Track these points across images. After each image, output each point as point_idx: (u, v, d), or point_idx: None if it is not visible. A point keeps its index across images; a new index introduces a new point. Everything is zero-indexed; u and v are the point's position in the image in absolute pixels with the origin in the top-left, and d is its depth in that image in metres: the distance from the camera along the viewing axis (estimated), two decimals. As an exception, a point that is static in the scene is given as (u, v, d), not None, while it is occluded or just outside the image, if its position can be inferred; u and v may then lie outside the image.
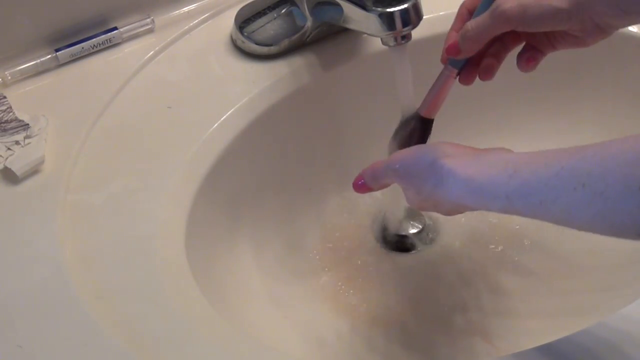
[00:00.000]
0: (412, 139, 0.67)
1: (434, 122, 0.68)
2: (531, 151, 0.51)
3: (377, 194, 0.82)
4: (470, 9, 0.64)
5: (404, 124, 0.69)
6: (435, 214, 0.82)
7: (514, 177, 0.50)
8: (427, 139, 0.67)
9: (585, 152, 0.47)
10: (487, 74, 0.64)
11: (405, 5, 0.67)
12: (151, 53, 0.76)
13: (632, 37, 0.78)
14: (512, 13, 0.58)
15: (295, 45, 0.76)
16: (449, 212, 0.61)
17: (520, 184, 0.50)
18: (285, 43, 0.75)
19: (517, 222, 0.80)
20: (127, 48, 0.77)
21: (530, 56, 0.63)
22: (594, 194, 0.45)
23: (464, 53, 0.62)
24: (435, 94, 0.66)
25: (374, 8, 0.67)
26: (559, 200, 0.47)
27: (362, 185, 0.64)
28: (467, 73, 0.65)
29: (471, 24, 0.61)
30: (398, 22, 0.67)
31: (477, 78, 0.65)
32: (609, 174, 0.45)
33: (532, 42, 0.63)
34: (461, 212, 0.59)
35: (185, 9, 0.79)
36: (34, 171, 0.66)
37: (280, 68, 0.75)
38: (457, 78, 0.65)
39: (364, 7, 0.67)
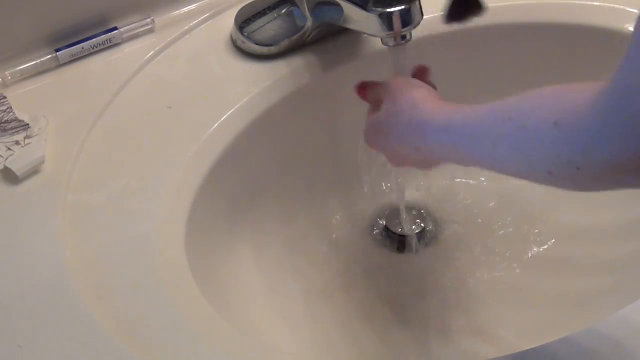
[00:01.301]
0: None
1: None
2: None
3: (376, 193, 0.83)
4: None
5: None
6: (436, 213, 0.82)
7: (458, 112, 0.54)
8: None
9: (519, 94, 0.50)
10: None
11: (405, 6, 0.67)
12: (151, 53, 0.76)
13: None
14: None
15: (295, 45, 0.76)
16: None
17: (462, 120, 0.53)
18: (285, 43, 0.75)
19: (517, 222, 0.80)
20: (127, 48, 0.77)
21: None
22: (516, 128, 0.48)
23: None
24: None
25: (373, 8, 0.67)
26: (487, 135, 0.50)
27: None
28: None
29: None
30: (398, 22, 0.67)
31: None
32: (533, 109, 0.48)
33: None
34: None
35: (185, 9, 0.79)
36: (34, 171, 0.66)
37: (280, 68, 0.75)
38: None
39: (363, 7, 0.67)
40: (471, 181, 0.84)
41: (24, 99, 0.72)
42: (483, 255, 0.79)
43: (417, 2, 0.67)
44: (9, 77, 0.73)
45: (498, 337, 0.72)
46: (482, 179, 0.84)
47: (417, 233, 0.80)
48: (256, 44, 0.75)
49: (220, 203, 0.71)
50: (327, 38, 0.77)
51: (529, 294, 0.75)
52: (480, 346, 0.72)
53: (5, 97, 0.71)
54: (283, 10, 0.76)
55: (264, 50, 0.75)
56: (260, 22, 0.76)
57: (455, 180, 0.84)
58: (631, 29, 0.78)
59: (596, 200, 0.79)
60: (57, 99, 0.72)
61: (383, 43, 0.69)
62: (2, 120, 0.69)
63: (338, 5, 0.70)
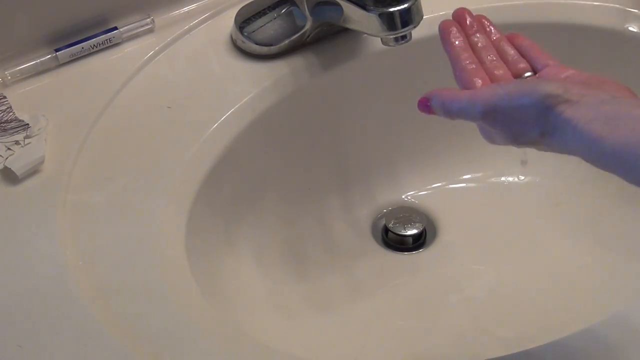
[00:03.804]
0: None
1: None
2: None
3: (376, 195, 0.83)
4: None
5: None
6: (436, 214, 0.82)
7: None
8: None
9: None
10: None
11: (405, 5, 0.67)
12: (151, 53, 0.76)
13: (632, 37, 0.78)
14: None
15: (295, 45, 0.76)
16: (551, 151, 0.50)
17: None
18: (285, 43, 0.75)
19: (517, 222, 0.80)
20: (127, 48, 0.77)
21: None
22: None
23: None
24: None
25: (374, 8, 0.67)
26: None
27: (426, 107, 0.55)
28: None
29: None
30: (398, 22, 0.67)
31: None
32: None
33: None
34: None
35: (185, 9, 0.79)
36: (34, 171, 0.66)
37: (280, 68, 0.75)
38: None
39: (364, 7, 0.67)
40: (472, 182, 0.84)
41: (24, 99, 0.72)
42: (483, 256, 0.79)
43: (417, 2, 0.67)
44: (9, 77, 0.73)
45: (498, 337, 0.72)
46: (483, 179, 0.84)
47: (417, 233, 0.80)
48: (256, 44, 0.75)
49: (220, 203, 0.71)
50: (327, 38, 0.77)
51: (529, 294, 0.75)
52: (481, 346, 0.72)
53: (5, 97, 0.71)
54: (283, 10, 0.76)
55: (264, 50, 0.75)
56: (260, 22, 0.76)
57: (456, 180, 0.84)
58: (631, 29, 0.78)
59: (596, 202, 0.79)
60: (57, 99, 0.72)
61: (383, 43, 0.69)
62: (2, 120, 0.69)
63: (338, 5, 0.70)
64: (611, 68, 0.81)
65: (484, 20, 0.60)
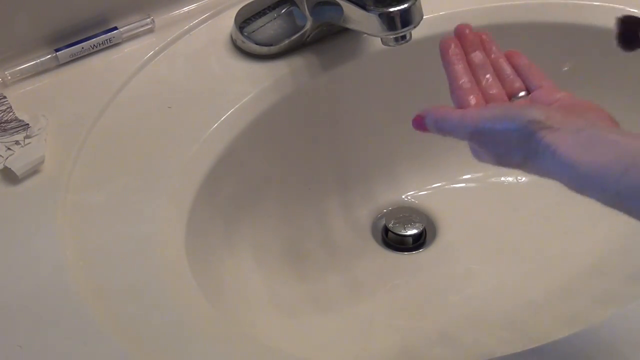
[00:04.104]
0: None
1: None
2: None
3: (376, 195, 0.83)
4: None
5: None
6: (436, 214, 0.82)
7: (628, 172, 0.43)
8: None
9: None
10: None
11: (405, 5, 0.67)
12: (151, 53, 0.76)
13: (632, 37, 0.78)
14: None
15: (295, 45, 0.76)
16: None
17: (635, 183, 0.43)
18: (285, 43, 0.75)
19: (517, 222, 0.80)
20: (127, 48, 0.77)
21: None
22: None
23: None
24: None
25: (374, 8, 0.67)
26: None
27: (420, 125, 0.56)
28: None
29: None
30: (398, 22, 0.67)
31: None
32: None
33: None
34: None
35: (185, 9, 0.79)
36: (34, 171, 0.66)
37: (280, 68, 0.75)
38: None
39: (364, 7, 0.67)
40: (472, 182, 0.84)
41: (24, 99, 0.72)
42: (483, 256, 0.79)
43: (417, 2, 0.67)
44: (9, 77, 0.73)
45: (498, 337, 0.72)
46: (483, 179, 0.84)
47: (417, 233, 0.80)
48: (256, 44, 0.75)
49: (220, 203, 0.71)
50: (327, 38, 0.77)
51: (528, 294, 0.75)
52: (481, 346, 0.72)
53: (5, 97, 0.71)
54: (283, 10, 0.76)
55: (264, 50, 0.75)
56: (260, 22, 0.76)
57: (456, 180, 0.84)
58: (632, 29, 0.78)
59: (597, 204, 0.79)
60: (57, 99, 0.72)
61: (383, 43, 0.69)
62: (2, 120, 0.69)
63: (338, 5, 0.70)
64: (611, 68, 0.81)
65: (484, 37, 0.61)
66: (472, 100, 0.56)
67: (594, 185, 0.45)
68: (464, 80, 0.58)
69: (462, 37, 0.60)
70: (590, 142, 0.46)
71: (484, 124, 0.51)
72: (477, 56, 0.59)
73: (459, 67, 0.58)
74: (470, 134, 0.52)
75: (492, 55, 0.60)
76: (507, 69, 0.59)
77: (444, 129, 0.55)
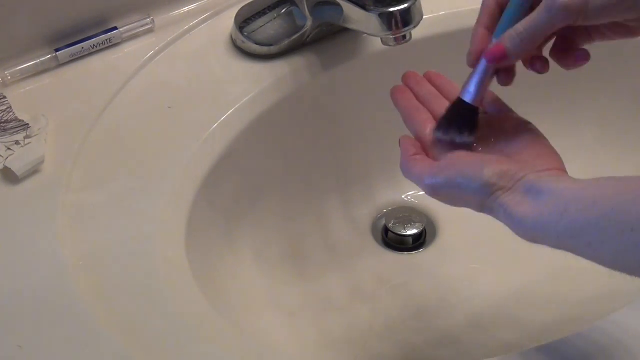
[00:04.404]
0: (456, 128, 0.58)
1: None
2: (584, 181, 0.50)
3: (376, 195, 0.83)
4: (501, 1, 0.57)
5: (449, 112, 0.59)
6: (436, 214, 0.82)
7: (564, 216, 0.48)
8: (473, 132, 0.58)
9: (637, 192, 0.46)
10: (543, 67, 0.57)
11: (405, 5, 0.67)
12: (151, 53, 0.76)
13: (632, 37, 0.78)
14: (575, 7, 0.52)
15: (295, 45, 0.76)
16: None
17: (569, 224, 0.48)
18: (285, 43, 0.75)
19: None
20: (127, 48, 0.77)
21: (581, 54, 0.57)
22: None
23: (514, 58, 0.55)
24: (479, 82, 0.57)
25: (374, 8, 0.67)
26: (606, 244, 0.46)
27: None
28: (506, 72, 0.57)
29: (522, 24, 0.53)
30: (398, 22, 0.67)
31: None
32: None
33: (568, 33, 0.56)
34: None
35: (185, 9, 0.79)
36: (34, 171, 0.66)
37: (280, 68, 0.75)
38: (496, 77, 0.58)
39: (364, 7, 0.67)
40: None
41: (24, 99, 0.72)
42: (483, 256, 0.79)
43: (417, 2, 0.67)
44: (9, 77, 0.73)
45: (498, 337, 0.72)
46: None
47: (417, 233, 0.80)
48: (256, 44, 0.75)
49: (220, 203, 0.71)
50: (327, 38, 0.77)
51: (528, 294, 0.75)
52: (481, 346, 0.72)
53: (5, 97, 0.71)
54: (283, 10, 0.76)
55: (264, 50, 0.75)
56: (260, 22, 0.76)
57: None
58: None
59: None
60: (57, 99, 0.72)
61: (383, 43, 0.69)
62: (2, 120, 0.69)
63: (338, 5, 0.70)
64: (611, 68, 0.81)
65: (431, 75, 0.63)
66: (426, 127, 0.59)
67: (540, 233, 0.50)
68: (413, 109, 0.61)
69: (409, 81, 0.63)
70: (535, 198, 0.51)
71: (440, 182, 0.55)
72: (423, 91, 0.62)
73: (407, 97, 0.62)
74: (426, 188, 0.56)
75: (446, 87, 0.62)
76: (452, 90, 0.61)
77: (409, 177, 0.58)
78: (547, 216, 0.49)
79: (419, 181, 0.56)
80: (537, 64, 0.57)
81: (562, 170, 0.54)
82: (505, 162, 0.53)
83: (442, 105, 0.60)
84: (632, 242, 0.45)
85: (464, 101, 0.57)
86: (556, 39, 0.57)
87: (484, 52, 0.56)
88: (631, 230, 0.45)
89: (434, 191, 0.55)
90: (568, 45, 0.57)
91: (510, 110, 0.60)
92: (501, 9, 0.57)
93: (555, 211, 0.49)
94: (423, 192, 0.83)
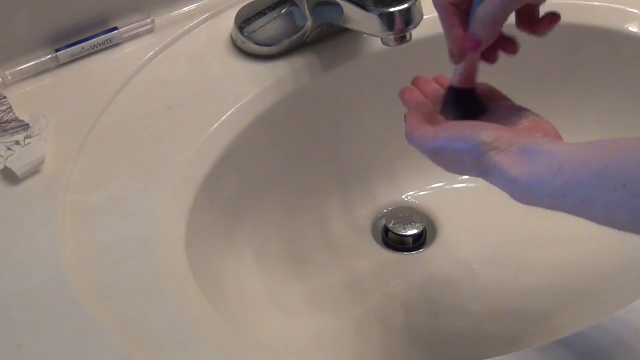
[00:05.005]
0: (454, 113, 0.61)
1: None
2: (580, 143, 0.51)
3: (376, 195, 0.83)
4: (455, 1, 0.59)
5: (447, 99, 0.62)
6: (436, 214, 0.82)
7: (557, 175, 0.49)
8: (472, 112, 0.60)
9: (629, 151, 0.47)
10: (512, 46, 0.60)
11: (405, 5, 0.67)
12: (151, 53, 0.76)
13: (632, 37, 0.78)
14: None
15: (295, 45, 0.76)
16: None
17: (563, 183, 0.49)
18: (285, 43, 0.75)
19: (516, 222, 0.80)
20: (127, 48, 0.77)
21: (550, 18, 0.59)
22: (633, 195, 0.45)
23: (485, 42, 0.58)
24: (467, 62, 0.60)
25: (374, 8, 0.67)
26: (598, 200, 0.47)
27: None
28: (489, 50, 0.59)
29: (482, 9, 0.56)
30: (398, 22, 0.67)
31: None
32: None
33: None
34: None
35: (185, 9, 0.79)
36: (34, 171, 0.66)
37: (280, 68, 0.75)
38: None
39: (364, 7, 0.67)
40: (472, 182, 0.84)
41: (24, 99, 0.72)
42: (483, 255, 0.79)
43: (417, 2, 0.67)
44: (9, 77, 0.73)
45: (498, 337, 0.72)
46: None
47: (417, 233, 0.80)
48: (256, 44, 0.75)
49: (220, 203, 0.71)
50: (327, 38, 0.77)
51: (528, 294, 0.75)
52: (481, 346, 0.72)
53: (5, 97, 0.71)
54: (283, 10, 0.76)
55: (264, 50, 0.75)
56: (260, 22, 0.76)
57: (456, 180, 0.84)
58: (631, 29, 0.78)
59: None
60: (57, 99, 0.72)
61: (383, 43, 0.69)
62: (2, 120, 0.69)
63: (338, 5, 0.70)
64: (611, 68, 0.81)
65: (439, 78, 0.64)
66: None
67: (534, 192, 0.51)
68: (419, 100, 0.62)
69: (417, 81, 0.65)
70: (530, 158, 0.52)
71: (440, 144, 0.56)
72: (430, 89, 0.64)
73: (413, 93, 0.63)
74: (428, 152, 0.57)
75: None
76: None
77: (411, 141, 0.59)
78: (541, 175, 0.50)
79: (421, 145, 0.57)
80: (507, 48, 0.59)
81: (560, 139, 0.55)
82: (504, 129, 0.55)
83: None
84: (624, 198, 0.46)
85: (458, 87, 0.60)
86: (518, 12, 0.59)
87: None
88: (623, 187, 0.46)
89: (435, 153, 0.57)
90: (530, 13, 0.59)
91: (509, 99, 0.62)
92: (456, 5, 0.59)
93: (549, 170, 0.50)
94: (423, 192, 0.84)
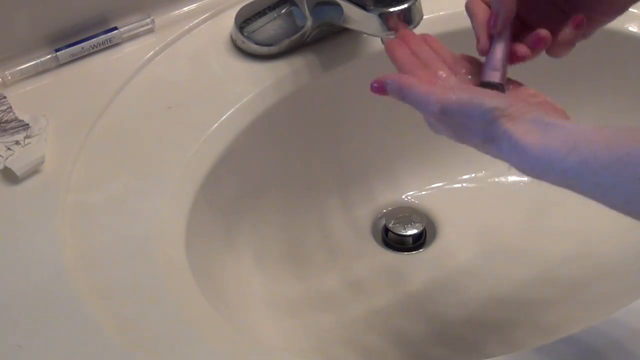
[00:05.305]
0: None
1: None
2: (591, 125, 0.49)
3: (376, 195, 0.83)
4: None
5: None
6: (436, 214, 0.82)
7: (572, 152, 0.47)
8: None
9: (634, 134, 0.45)
10: (540, 41, 0.59)
11: (405, 5, 0.67)
12: (151, 53, 0.76)
13: (632, 37, 0.78)
14: None
15: (295, 45, 0.76)
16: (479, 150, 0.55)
17: (578, 162, 0.47)
18: (285, 43, 0.75)
19: (516, 222, 0.80)
20: (127, 48, 0.77)
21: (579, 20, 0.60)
22: None
23: (502, 16, 0.57)
24: (499, 61, 0.59)
25: (374, 8, 0.67)
26: (618, 188, 0.45)
27: (380, 89, 0.58)
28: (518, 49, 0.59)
29: None
30: (398, 22, 0.67)
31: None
32: None
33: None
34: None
35: (185, 9, 0.79)
36: (34, 171, 0.66)
37: (280, 68, 0.75)
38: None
39: (364, 7, 0.67)
40: (472, 182, 0.84)
41: (24, 99, 0.72)
42: (483, 256, 0.79)
43: (417, 2, 0.67)
44: (9, 77, 0.73)
45: (498, 337, 0.72)
46: (483, 179, 0.84)
47: (417, 233, 0.80)
48: (256, 44, 0.75)
49: (220, 203, 0.71)
50: (327, 38, 0.77)
51: (528, 294, 0.75)
52: (481, 346, 0.72)
53: (5, 97, 0.71)
54: (283, 10, 0.76)
55: (264, 50, 0.75)
56: (260, 22, 0.76)
57: (456, 180, 0.84)
58: (631, 29, 0.78)
59: (597, 204, 0.79)
60: (57, 99, 0.72)
61: (383, 43, 0.69)
62: (2, 120, 0.69)
63: (338, 5, 0.70)
64: (611, 68, 0.81)
65: (427, 38, 0.62)
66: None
67: (544, 166, 0.49)
68: (413, 62, 0.60)
69: (406, 37, 0.62)
70: (543, 129, 0.50)
71: (451, 105, 0.53)
72: (423, 51, 0.61)
73: (406, 52, 0.60)
74: (434, 113, 0.54)
75: (440, 51, 0.61)
76: (458, 58, 0.61)
77: (407, 98, 0.56)
78: (554, 149, 0.48)
79: (426, 102, 0.54)
80: (534, 43, 0.59)
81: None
82: (519, 99, 0.54)
83: (444, 68, 0.59)
84: None
85: (492, 82, 0.58)
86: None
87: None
88: None
89: (442, 113, 0.54)
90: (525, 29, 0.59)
91: (522, 84, 0.60)
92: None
93: (563, 145, 0.48)
94: (423, 192, 0.84)
